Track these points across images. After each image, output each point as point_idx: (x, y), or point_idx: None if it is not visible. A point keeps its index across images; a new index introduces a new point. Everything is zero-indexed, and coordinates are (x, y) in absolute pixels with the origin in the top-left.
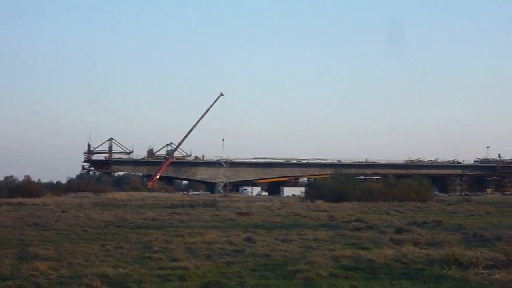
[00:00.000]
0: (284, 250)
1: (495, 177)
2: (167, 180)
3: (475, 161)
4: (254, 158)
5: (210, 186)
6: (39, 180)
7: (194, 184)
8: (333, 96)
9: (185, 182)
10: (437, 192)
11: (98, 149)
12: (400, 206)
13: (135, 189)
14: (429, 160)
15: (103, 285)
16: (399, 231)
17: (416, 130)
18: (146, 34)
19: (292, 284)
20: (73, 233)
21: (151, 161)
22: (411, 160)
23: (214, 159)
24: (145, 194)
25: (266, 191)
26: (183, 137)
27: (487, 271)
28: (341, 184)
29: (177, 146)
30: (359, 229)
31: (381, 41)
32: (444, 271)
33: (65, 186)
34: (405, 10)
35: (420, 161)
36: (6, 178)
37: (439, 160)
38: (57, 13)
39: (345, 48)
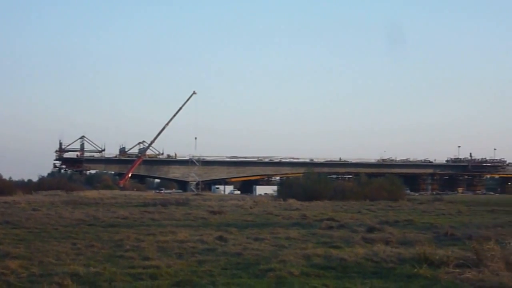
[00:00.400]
0: (256, 249)
1: (466, 176)
2: (139, 179)
3: (446, 161)
4: (227, 157)
5: (183, 185)
6: (10, 178)
7: (167, 182)
8: (305, 96)
9: (157, 180)
10: (408, 191)
11: (69, 147)
12: (372, 205)
13: (107, 187)
14: (401, 159)
15: (74, 284)
16: (370, 230)
17: (388, 130)
18: (123, 30)
19: (264, 283)
20: (44, 232)
21: (123, 159)
22: (383, 159)
23: (187, 158)
24: (117, 192)
25: (238, 190)
26: (155, 135)
27: (458, 270)
28: (313, 183)
29: (150, 145)
30: (331, 228)
31: (376, 38)
32: (415, 270)
33: (36, 184)
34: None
35: (392, 160)
36: None
37: (410, 160)
38: (34, 7)
39: (324, 45)
